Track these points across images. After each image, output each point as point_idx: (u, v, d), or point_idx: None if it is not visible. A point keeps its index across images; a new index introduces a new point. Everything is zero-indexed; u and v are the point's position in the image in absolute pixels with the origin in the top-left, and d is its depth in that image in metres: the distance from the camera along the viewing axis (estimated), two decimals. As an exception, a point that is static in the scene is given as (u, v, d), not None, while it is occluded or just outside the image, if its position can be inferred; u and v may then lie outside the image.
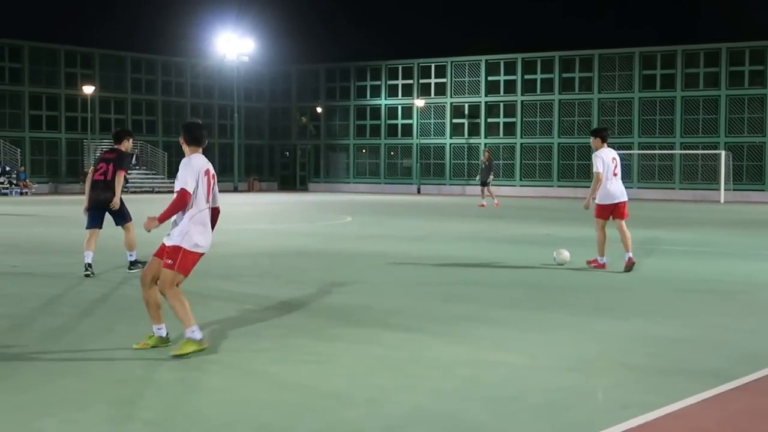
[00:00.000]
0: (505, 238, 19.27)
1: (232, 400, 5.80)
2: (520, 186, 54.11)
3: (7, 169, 50.59)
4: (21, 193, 48.78)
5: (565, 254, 13.65)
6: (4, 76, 53.68)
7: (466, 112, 57.31)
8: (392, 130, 59.75)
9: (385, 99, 60.08)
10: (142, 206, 29.64)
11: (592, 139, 13.55)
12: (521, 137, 55.11)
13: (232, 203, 38.10)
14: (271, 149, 66.25)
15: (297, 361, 6.91)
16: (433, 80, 58.37)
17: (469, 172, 56.39)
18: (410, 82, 59.10)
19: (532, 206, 35.70)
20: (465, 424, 5.36)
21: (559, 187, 52.88)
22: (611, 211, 13.16)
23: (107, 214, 12.51)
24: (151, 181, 56.07)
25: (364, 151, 60.98)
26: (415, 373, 6.57)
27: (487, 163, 35.79)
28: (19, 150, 52.71)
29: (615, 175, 13.18)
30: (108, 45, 57.93)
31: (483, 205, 33.53)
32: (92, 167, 12.76)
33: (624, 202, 13.22)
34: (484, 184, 35.17)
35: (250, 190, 58.94)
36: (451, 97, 57.57)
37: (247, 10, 59.77)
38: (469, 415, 5.54)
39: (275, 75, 65.66)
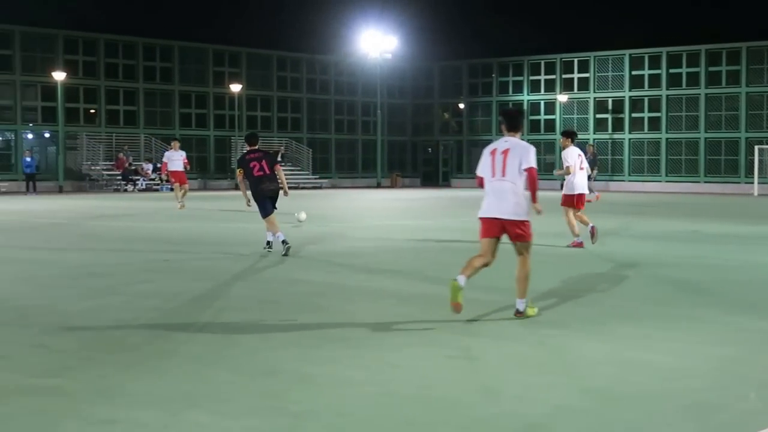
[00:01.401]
0: (650, 234, 18.86)
1: (377, 394, 5.82)
2: (666, 182, 52.93)
3: (158, 165, 52.15)
4: (171, 189, 50.19)
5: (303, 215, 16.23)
6: (155, 76, 55.37)
7: (610, 107, 56.37)
8: (534, 126, 59.21)
9: (528, 94, 59.59)
10: (287, 202, 30.02)
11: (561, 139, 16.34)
12: (666, 132, 53.88)
13: (376, 199, 38.40)
14: (413, 145, 66.50)
15: (442, 356, 6.89)
16: (575, 75, 57.62)
17: (613, 168, 55.49)
18: (553, 77, 58.49)
19: (679, 202, 34.86)
20: (611, 424, 5.25)
21: (706, 182, 51.52)
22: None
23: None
24: (296, 176, 56.95)
25: (507, 147, 60.62)
26: (560, 371, 6.48)
27: (591, 157, 35.38)
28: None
29: (581, 169, 15.93)
30: (254, 44, 59.07)
31: (589, 200, 33.15)
32: (240, 169, 14.51)
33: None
34: (588, 178, 34.77)
35: (392, 186, 59.27)
36: (594, 92, 56.72)
37: (390, 7, 60.08)
38: (615, 414, 5.43)
39: (417, 71, 65.85)
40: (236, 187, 53.60)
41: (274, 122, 59.84)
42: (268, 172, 14.27)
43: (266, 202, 14.28)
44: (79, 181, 50.17)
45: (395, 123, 64.96)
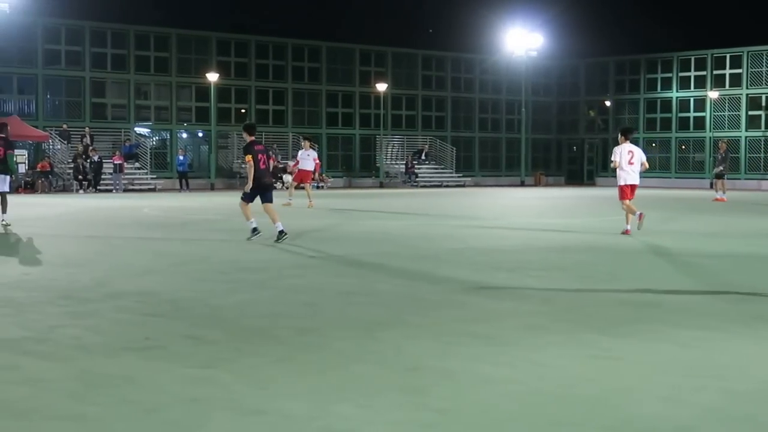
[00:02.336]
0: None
1: (521, 392, 5.82)
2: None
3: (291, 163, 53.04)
4: (318, 187, 51.00)
5: None
6: (303, 76, 56.29)
7: (764, 103, 54.56)
8: (683, 123, 57.87)
9: (677, 91, 58.21)
10: (431, 200, 30.08)
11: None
12: (825, 129, 51.96)
13: (519, 197, 38.17)
14: (558, 143, 65.82)
15: (586, 356, 6.83)
16: (727, 71, 56.01)
17: (765, 166, 53.77)
18: (703, 73, 56.98)
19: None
20: (763, 428, 5.13)
21: None
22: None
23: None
24: (439, 175, 57.07)
25: (654, 144, 59.35)
26: (707, 373, 6.34)
27: (723, 154, 34.27)
28: (317, 146, 55.04)
29: (631, 164, 17.66)
30: (400, 43, 59.42)
31: (722, 199, 32.24)
32: (250, 155, 15.70)
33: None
34: (719, 176, 33.84)
35: (536, 184, 58.80)
36: (747, 88, 54.99)
37: (536, 4, 59.56)
38: (767, 418, 5.31)
39: (563, 69, 65.13)
40: (381, 185, 54.26)
41: (418, 121, 60.07)
42: (267, 166, 15.87)
43: (264, 193, 15.85)
44: (230, 178, 51.42)
45: (540, 121, 64.38)
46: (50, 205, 29.20)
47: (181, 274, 11.58)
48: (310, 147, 29.71)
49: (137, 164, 48.19)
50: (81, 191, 42.20)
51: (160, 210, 26.25)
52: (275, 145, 53.25)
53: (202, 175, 50.10)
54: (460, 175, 57.93)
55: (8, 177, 19.78)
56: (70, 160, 44.34)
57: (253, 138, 16.17)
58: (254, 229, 15.91)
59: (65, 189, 43.57)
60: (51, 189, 42.50)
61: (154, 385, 5.91)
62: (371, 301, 9.37)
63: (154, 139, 52.75)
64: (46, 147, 46.24)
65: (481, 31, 59.72)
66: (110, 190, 43.12)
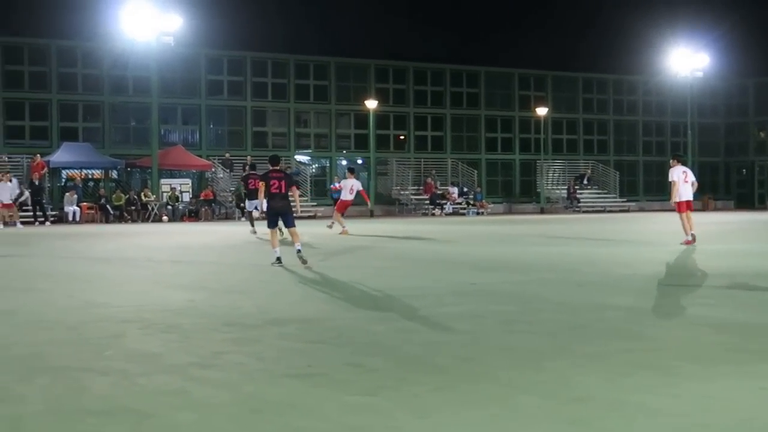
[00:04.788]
0: None
1: (690, 425, 5.54)
2: None
3: (465, 190, 53.03)
4: (477, 213, 50.88)
5: None
6: (462, 101, 56.39)
7: None
8: None
9: None
10: (595, 225, 29.53)
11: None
12: None
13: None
14: (726, 166, 63.86)
15: (758, 389, 6.48)
16: None
17: None
18: None
19: None
20: None
21: None
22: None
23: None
24: (602, 200, 56.15)
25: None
26: None
27: None
28: (475, 171, 55.03)
29: (686, 182, 21.53)
30: (559, 67, 58.88)
31: None
32: (263, 182, 17.22)
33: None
34: None
35: (704, 209, 57.12)
36: None
37: (701, 24, 58.04)
38: None
39: (730, 89, 63.29)
40: (542, 211, 53.70)
41: (580, 145, 59.40)
42: (283, 191, 16.82)
43: (282, 216, 16.88)
44: (389, 205, 51.83)
45: (707, 143, 62.63)
46: (213, 232, 29.99)
47: (341, 300, 11.62)
48: (353, 177, 30.29)
49: (298, 192, 49.01)
50: (243, 219, 43.22)
51: (318, 237, 26.58)
52: (434, 171, 53.38)
53: (360, 202, 50.71)
54: (624, 199, 56.87)
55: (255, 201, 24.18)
56: (233, 188, 45.51)
57: (274, 167, 17.44)
58: (278, 259, 16.44)
59: (227, 217, 44.72)
60: (214, 217, 43.72)
61: (316, 412, 5.89)
62: (534, 330, 9.17)
63: (314, 166, 53.66)
64: (209, 175, 47.62)
65: (644, 52, 58.60)
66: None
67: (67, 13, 56.09)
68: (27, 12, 61.67)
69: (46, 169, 42.90)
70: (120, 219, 42.09)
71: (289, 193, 17.18)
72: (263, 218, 17.73)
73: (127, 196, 43.75)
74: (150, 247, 22.70)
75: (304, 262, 16.13)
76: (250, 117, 51.58)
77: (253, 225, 27.75)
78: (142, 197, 43.61)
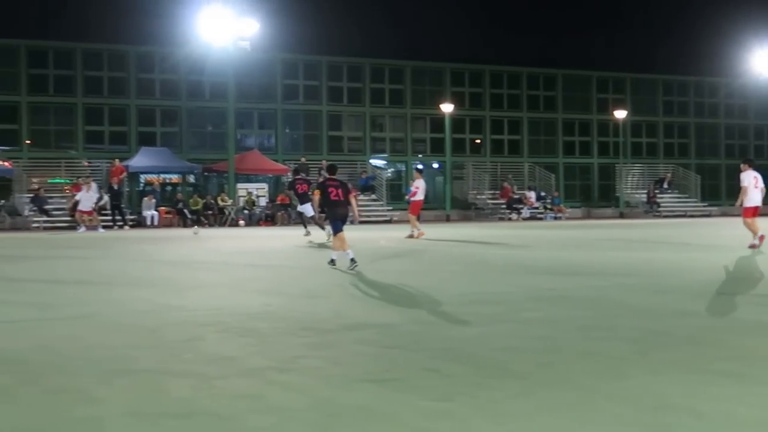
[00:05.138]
0: None
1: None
2: None
3: (542, 194, 52.65)
4: (555, 218, 50.46)
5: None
6: (539, 104, 56.08)
7: None
8: None
9: None
10: (676, 230, 29.14)
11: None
12: None
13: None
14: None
15: None
16: None
17: None
18: None
19: None
20: None
21: None
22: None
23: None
24: (683, 204, 55.33)
25: None
26: None
27: None
28: (553, 175, 54.62)
29: (756, 188, 21.86)
30: (639, 69, 58.21)
31: None
32: (319, 190, 17.91)
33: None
34: None
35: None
36: None
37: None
38: None
39: (818, 89, 61.94)
40: (621, 215, 53.07)
41: (660, 148, 58.65)
42: (342, 198, 17.38)
43: (338, 222, 17.40)
44: (465, 209, 51.68)
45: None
46: (289, 237, 30.14)
47: (417, 305, 11.58)
48: (421, 177, 30.10)
49: (373, 196, 49.17)
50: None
51: (395, 241, 26.57)
52: (510, 175, 53.12)
53: (436, 207, 50.53)
54: (706, 204, 55.91)
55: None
56: (309, 193, 45.75)
57: (330, 176, 17.98)
58: (332, 260, 17.24)
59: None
60: (290, 221, 44.00)
61: (393, 418, 5.86)
62: (613, 336, 9.02)
63: (389, 170, 53.73)
64: (285, 180, 48.00)
65: (726, 54, 57.60)
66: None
67: (145, 19, 57.12)
68: (106, 19, 62.82)
69: (125, 174, 43.62)
70: (197, 223, 42.61)
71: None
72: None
73: (204, 200, 44.26)
74: (227, 251, 22.91)
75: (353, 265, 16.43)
76: (326, 121, 51.83)
77: (306, 227, 28.15)
78: (219, 202, 44.07)
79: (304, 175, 30.78)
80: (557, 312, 10.81)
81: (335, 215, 17.60)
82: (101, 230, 37.61)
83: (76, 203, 39.03)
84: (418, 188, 29.26)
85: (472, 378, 7.01)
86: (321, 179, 26.71)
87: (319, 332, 9.20)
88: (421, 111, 53.66)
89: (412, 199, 29.18)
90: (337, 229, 17.46)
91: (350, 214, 18.38)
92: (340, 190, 17.51)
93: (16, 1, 67.37)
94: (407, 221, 43.34)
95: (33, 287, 14.43)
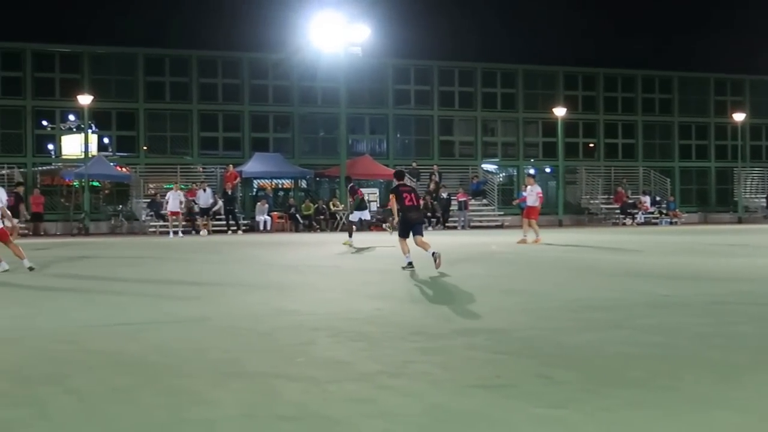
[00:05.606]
0: None
1: None
2: None
3: (657, 198, 51.74)
4: (670, 223, 49.53)
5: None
6: (654, 107, 55.13)
7: None
8: None
9: None
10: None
11: None
12: None
13: None
14: None
15: None
16: None
17: None
18: None
19: None
20: None
21: None
22: None
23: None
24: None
25: None
26: None
27: None
28: (668, 180, 53.65)
29: None
30: (758, 71, 56.73)
31: None
32: (394, 195, 18.12)
33: None
34: None
35: None
36: None
37: None
38: None
39: None
40: (740, 221, 51.77)
41: (781, 149, 57.04)
42: (416, 203, 17.99)
43: (414, 226, 17.76)
44: (578, 214, 51.11)
45: None
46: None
47: (529, 311, 11.47)
48: (534, 183, 29.96)
49: (485, 201, 48.99)
50: (429, 228, 43.48)
51: (507, 247, 26.42)
52: (625, 180, 52.37)
53: (548, 212, 50.10)
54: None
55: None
56: (420, 198, 45.86)
57: (400, 182, 18.70)
58: (409, 263, 17.35)
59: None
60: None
61: (504, 424, 5.82)
62: (731, 344, 8.79)
63: (501, 175, 53.45)
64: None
65: None
66: (456, 227, 44.05)
67: (258, 26, 57.98)
68: (220, 27, 63.99)
69: (238, 179, 44.34)
70: (309, 228, 43.03)
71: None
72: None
73: (316, 205, 44.69)
74: (338, 256, 23.08)
75: (438, 259, 16.82)
76: (437, 126, 51.85)
77: (351, 236, 28.41)
78: (331, 206, 44.45)
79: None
80: (673, 318, 10.59)
81: (408, 219, 17.86)
82: (203, 233, 38.06)
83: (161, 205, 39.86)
84: (538, 193, 29.25)
85: (585, 385, 6.91)
86: (350, 185, 29.72)
87: (430, 337, 9.19)
88: (533, 115, 53.27)
89: (529, 204, 29.09)
90: (406, 233, 17.79)
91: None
92: (413, 195, 18.09)
93: (135, 11, 69.21)
94: (519, 226, 43.12)
95: (149, 291, 14.76)
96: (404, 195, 17.90)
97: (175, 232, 38.23)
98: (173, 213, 38.86)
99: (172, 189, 39.45)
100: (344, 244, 27.34)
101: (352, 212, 30.62)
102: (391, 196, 18.79)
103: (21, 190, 37.07)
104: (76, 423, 5.96)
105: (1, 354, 8.45)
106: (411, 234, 17.71)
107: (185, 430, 5.80)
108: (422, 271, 17.29)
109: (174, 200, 38.48)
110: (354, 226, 29.66)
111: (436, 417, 6.00)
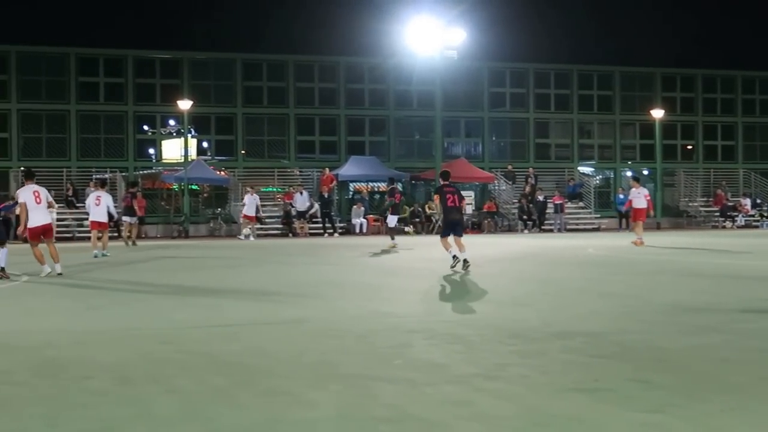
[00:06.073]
0: None
1: None
2: None
3: (758, 201, 50.67)
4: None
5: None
6: (754, 108, 54.02)
7: None
8: None
9: None
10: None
11: None
12: None
13: None
14: None
15: None
16: None
17: None
18: None
19: None
20: None
21: None
22: None
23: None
24: None
25: None
26: None
27: None
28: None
29: None
30: None
31: None
32: (438, 195, 19.15)
33: None
34: None
35: None
36: None
37: None
38: None
39: None
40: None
41: None
42: (457, 204, 18.78)
43: (455, 227, 18.90)
44: (676, 217, 50.29)
45: None
46: (495, 244, 30.14)
47: (627, 314, 11.34)
48: (640, 186, 29.83)
49: (581, 203, 48.53)
50: (525, 231, 43.22)
51: (604, 250, 26.14)
52: (724, 182, 51.42)
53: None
54: None
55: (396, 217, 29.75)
56: (515, 201, 45.62)
57: (445, 182, 19.41)
58: (454, 257, 18.32)
59: (510, 229, 44.83)
60: (496, 229, 43.97)
61: (602, 428, 5.79)
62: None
63: (597, 177, 52.88)
64: (492, 188, 47.95)
65: None
66: (551, 230, 43.73)
67: (354, 30, 58.35)
68: (317, 31, 64.57)
69: (335, 182, 44.67)
70: (404, 231, 43.15)
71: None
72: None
73: (412, 208, 44.78)
74: (433, 259, 23.09)
75: (466, 266, 17.88)
76: (533, 128, 51.54)
77: (393, 238, 29.35)
78: (426, 209, 44.49)
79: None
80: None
81: (448, 220, 18.90)
82: (252, 238, 38.20)
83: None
84: (646, 195, 29.13)
85: (684, 390, 6.82)
86: (390, 187, 30.95)
87: (526, 340, 9.17)
88: (630, 117, 52.60)
89: (635, 206, 28.94)
90: (447, 233, 18.87)
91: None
92: (456, 197, 18.84)
93: (233, 17, 70.26)
94: (616, 229, 42.63)
95: (246, 292, 14.99)
96: (447, 196, 18.73)
97: (247, 236, 38.29)
98: (247, 217, 38.83)
99: (248, 193, 39.10)
100: (389, 247, 27.83)
101: (388, 215, 31.24)
102: (435, 196, 19.66)
103: (136, 190, 38.08)
104: (177, 422, 6.10)
105: (104, 354, 8.68)
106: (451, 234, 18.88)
107: (284, 430, 5.90)
108: (519, 275, 17.23)
109: (250, 204, 38.53)
110: (394, 227, 30.55)
111: (533, 420, 6.00)
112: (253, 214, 38.69)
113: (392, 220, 30.38)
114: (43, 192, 18.61)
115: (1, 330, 10.38)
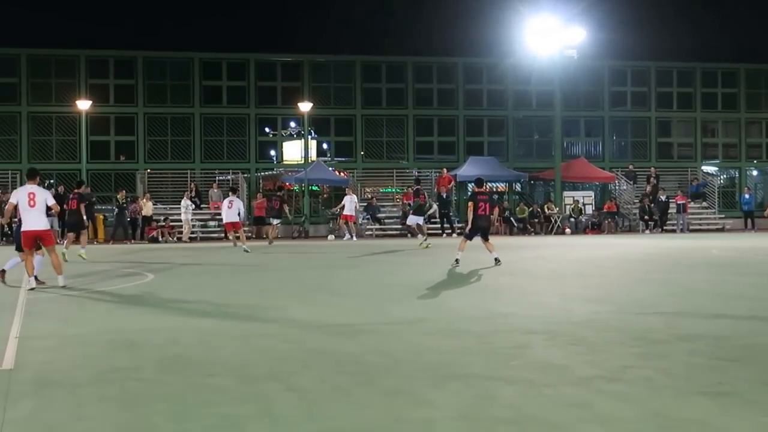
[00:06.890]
0: None
1: None
2: None
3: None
4: None
5: None
6: None
7: None
8: None
9: None
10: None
11: None
12: None
13: None
14: None
15: None
16: None
17: None
18: None
19: None
20: None
21: None
22: None
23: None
24: None
25: None
26: None
27: None
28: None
29: None
30: None
31: None
32: (472, 202, 20.07)
33: None
34: None
35: None
36: None
37: None
38: None
39: None
40: None
41: None
42: (488, 212, 19.94)
43: (477, 233, 20.09)
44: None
45: None
46: (616, 245, 29.71)
47: (754, 318, 11.06)
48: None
49: (704, 203, 47.45)
50: (647, 231, 42.46)
51: (730, 251, 25.51)
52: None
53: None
54: None
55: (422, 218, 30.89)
56: (637, 201, 44.88)
57: (480, 189, 20.42)
58: (457, 260, 19.76)
59: (631, 229, 44.12)
60: (617, 229, 43.30)
61: (727, 433, 5.67)
62: None
63: (721, 177, 51.60)
64: (612, 188, 47.25)
65: None
66: (674, 230, 42.86)
67: (473, 31, 58.24)
68: (436, 32, 64.66)
69: (453, 183, 44.62)
70: (524, 231, 42.83)
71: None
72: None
73: (531, 208, 44.45)
74: (553, 259, 22.90)
75: (497, 263, 19.53)
76: (655, 128, 50.60)
77: (424, 234, 30.50)
78: (545, 210, 44.11)
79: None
80: None
81: (477, 226, 19.96)
82: (355, 238, 38.16)
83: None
84: None
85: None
86: (415, 188, 31.66)
87: (650, 342, 9.02)
88: (756, 115, 51.19)
89: None
90: (469, 237, 20.19)
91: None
92: (488, 205, 20.01)
93: (353, 20, 70.90)
94: (741, 229, 41.59)
95: (366, 292, 15.11)
96: (480, 204, 19.75)
97: (349, 236, 38.41)
98: (346, 217, 38.97)
99: (347, 194, 39.21)
100: (421, 246, 28.62)
101: (410, 214, 32.39)
102: (469, 204, 20.39)
103: (283, 194, 39.20)
104: (298, 420, 6.19)
105: (227, 352, 8.86)
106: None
107: (403, 429, 5.93)
108: (641, 276, 16.95)
109: (350, 204, 38.63)
110: (417, 225, 31.31)
111: (656, 423, 5.91)
112: (353, 214, 38.96)
113: (412, 220, 31.61)
114: (42, 194, 16.06)
115: (127, 328, 10.68)
